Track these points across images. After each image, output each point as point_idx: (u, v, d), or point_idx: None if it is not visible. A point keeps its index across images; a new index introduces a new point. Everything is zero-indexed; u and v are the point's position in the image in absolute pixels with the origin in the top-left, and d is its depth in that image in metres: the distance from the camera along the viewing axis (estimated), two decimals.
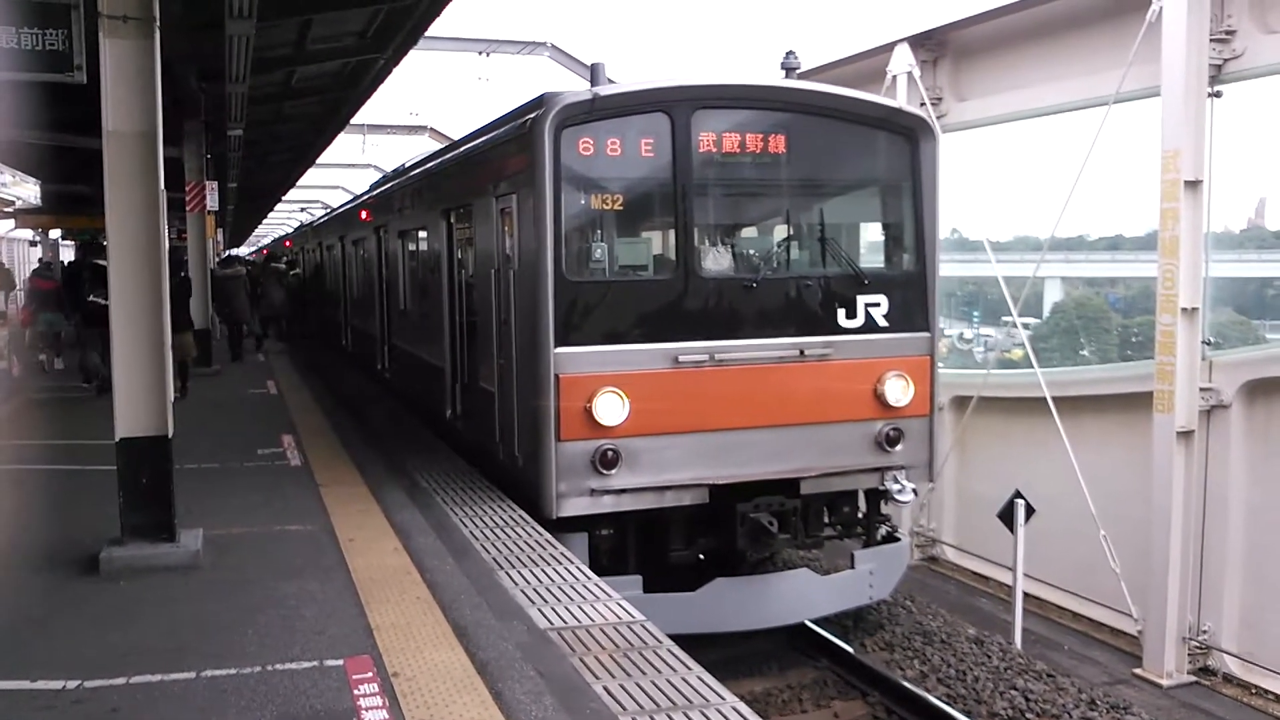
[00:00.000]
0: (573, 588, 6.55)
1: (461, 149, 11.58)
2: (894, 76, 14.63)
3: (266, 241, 60.46)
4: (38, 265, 22.57)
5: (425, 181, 12.89)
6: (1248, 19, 10.69)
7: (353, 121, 22.87)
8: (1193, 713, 10.14)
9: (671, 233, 8.63)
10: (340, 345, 21.29)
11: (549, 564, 7.00)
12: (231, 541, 7.30)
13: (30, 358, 17.80)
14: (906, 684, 8.64)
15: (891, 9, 15.38)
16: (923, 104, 13.87)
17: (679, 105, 8.33)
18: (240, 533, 7.56)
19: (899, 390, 8.91)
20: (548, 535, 7.68)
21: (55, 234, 27.84)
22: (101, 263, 14.66)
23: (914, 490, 9.11)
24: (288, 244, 38.47)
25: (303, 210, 50.09)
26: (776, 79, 9.56)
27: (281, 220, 57.98)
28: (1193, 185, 10.91)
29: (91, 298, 14.26)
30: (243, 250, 55.86)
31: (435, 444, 11.18)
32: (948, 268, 13.70)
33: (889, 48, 14.83)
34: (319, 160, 28.76)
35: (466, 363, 10.79)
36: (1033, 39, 13.40)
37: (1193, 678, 10.99)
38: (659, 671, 5.30)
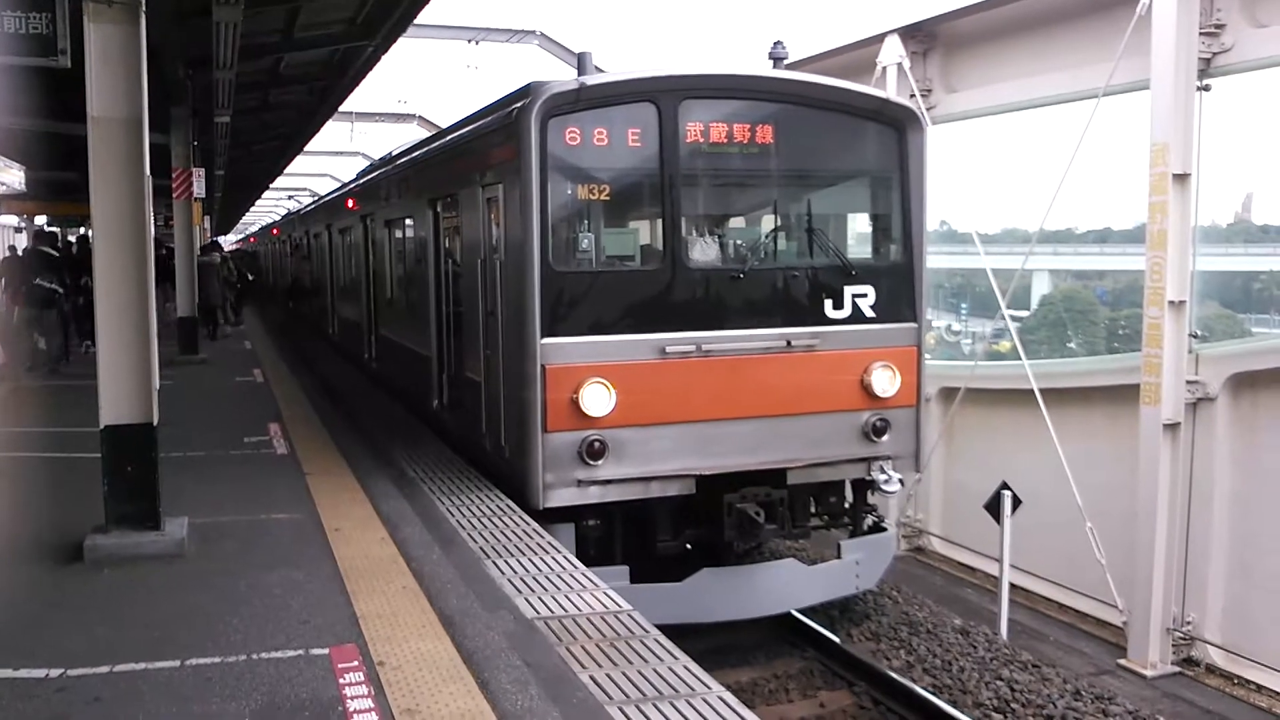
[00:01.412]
0: (560, 577, 6.55)
1: (448, 138, 11.53)
2: (884, 68, 14.66)
3: (255, 229, 60.22)
4: (10, 251, 22.50)
5: (412, 170, 12.84)
6: (1237, 13, 10.70)
7: (341, 109, 22.73)
8: (1176, 703, 10.20)
9: (659, 223, 8.61)
10: (327, 334, 21.24)
11: (536, 554, 6.99)
12: (217, 530, 7.27)
13: (23, 343, 17.72)
14: (892, 674, 8.68)
15: (882, 0, 15.37)
16: (913, 95, 13.89)
17: (666, 95, 8.30)
18: (226, 521, 7.52)
19: (886, 381, 8.91)
20: (535, 525, 7.66)
21: (41, 220, 27.66)
22: (48, 250, 14.76)
23: (900, 480, 9.15)
24: (275, 231, 38.35)
25: (290, 198, 49.93)
26: (764, 69, 9.55)
27: (269, 208, 57.75)
28: (1181, 179, 10.93)
29: (37, 281, 14.28)
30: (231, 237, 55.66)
31: (422, 433, 11.14)
32: (936, 260, 13.74)
33: (879, 39, 14.84)
34: (307, 148, 28.60)
35: (453, 353, 10.76)
36: (1023, 31, 13.40)
37: (1177, 668, 11.05)
38: (646, 661, 5.29)
